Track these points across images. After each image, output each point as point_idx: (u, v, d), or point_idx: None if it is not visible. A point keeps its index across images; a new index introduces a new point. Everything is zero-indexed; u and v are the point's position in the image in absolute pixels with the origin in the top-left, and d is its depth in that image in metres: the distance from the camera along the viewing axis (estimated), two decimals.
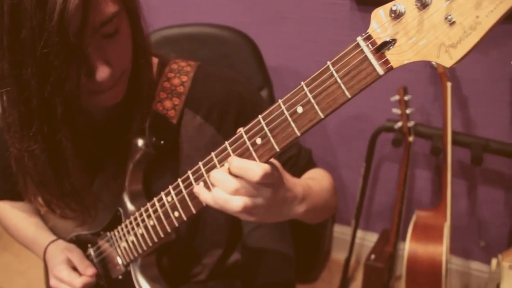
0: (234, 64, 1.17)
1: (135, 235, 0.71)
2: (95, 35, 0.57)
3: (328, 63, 0.47)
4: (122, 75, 0.65)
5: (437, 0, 0.41)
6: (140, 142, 0.71)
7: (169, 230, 0.66)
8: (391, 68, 0.44)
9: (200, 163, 0.59)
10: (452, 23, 0.40)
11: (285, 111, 0.50)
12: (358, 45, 0.45)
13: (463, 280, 1.65)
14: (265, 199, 0.54)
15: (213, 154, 0.58)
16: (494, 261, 1.32)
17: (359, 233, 1.73)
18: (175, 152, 0.74)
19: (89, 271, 0.76)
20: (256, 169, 0.51)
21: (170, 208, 0.64)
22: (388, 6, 0.44)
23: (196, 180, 0.60)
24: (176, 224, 0.64)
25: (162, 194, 0.65)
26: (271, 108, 0.51)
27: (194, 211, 0.61)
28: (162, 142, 0.71)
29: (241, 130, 0.54)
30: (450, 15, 0.40)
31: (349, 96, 0.46)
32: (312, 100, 0.48)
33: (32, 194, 0.73)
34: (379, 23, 0.44)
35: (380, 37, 0.44)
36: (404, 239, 1.49)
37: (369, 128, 1.39)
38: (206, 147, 0.75)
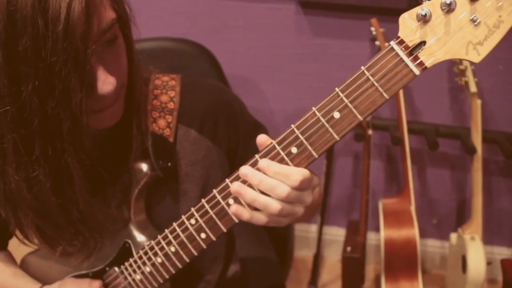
0: (193, 75, 1.18)
1: (153, 265, 0.69)
2: (97, 42, 0.56)
3: (363, 68, 0.51)
4: (121, 90, 0.63)
5: (462, 4, 0.46)
6: (145, 166, 0.69)
7: (195, 253, 0.65)
8: (426, 68, 0.49)
9: (227, 180, 0.60)
10: (477, 24, 0.46)
11: (321, 118, 0.53)
12: (392, 49, 0.49)
13: (421, 257, 1.79)
14: (301, 203, 0.56)
15: (227, 180, 0.59)
16: (453, 235, 1.46)
17: (315, 227, 1.81)
18: (174, 172, 0.74)
19: (96, 284, 0.73)
20: (295, 174, 0.53)
21: (195, 231, 0.64)
22: (414, 11, 0.49)
23: (224, 198, 0.60)
24: (204, 246, 0.64)
25: (183, 217, 0.65)
26: (305, 117, 0.54)
27: (224, 230, 0.62)
28: (169, 164, 0.70)
29: (272, 142, 0.56)
30: (475, 16, 0.46)
31: (387, 97, 0.50)
32: (350, 105, 0.51)
33: (28, 233, 0.68)
34: (408, 28, 0.49)
35: (411, 40, 0.49)
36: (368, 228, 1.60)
37: None
38: (203, 160, 0.75)
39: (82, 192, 0.62)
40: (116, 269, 0.74)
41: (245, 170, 0.55)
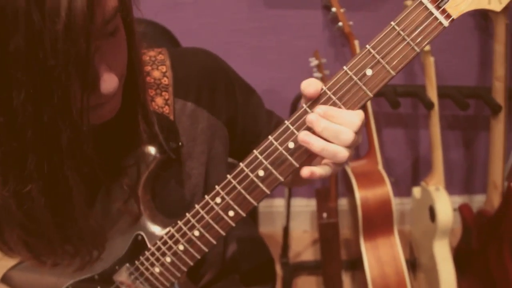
0: None
1: (175, 254, 0.67)
2: (99, 37, 0.49)
3: (393, 23, 0.52)
4: (121, 81, 0.59)
5: None
6: (153, 149, 0.66)
7: (223, 233, 0.64)
8: (453, 19, 0.51)
9: (256, 152, 0.59)
10: None
11: (354, 77, 0.53)
12: (421, 3, 0.51)
13: None
14: (356, 145, 0.56)
15: (287, 122, 0.57)
16: (416, 189, 1.55)
17: (279, 201, 1.85)
18: (176, 151, 0.71)
19: None
20: (355, 116, 0.54)
21: (222, 210, 0.62)
22: None
23: (253, 171, 0.59)
24: (233, 224, 0.63)
25: (207, 198, 0.63)
26: (336, 78, 0.54)
27: (255, 203, 0.61)
28: (180, 143, 0.67)
29: (304, 106, 0.56)
30: None
31: (418, 51, 0.52)
32: (382, 61, 0.52)
33: (15, 248, 0.62)
34: None
35: None
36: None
37: (289, 98, 1.48)
38: (202, 133, 0.73)
39: (81, 207, 0.56)
40: (128, 265, 0.70)
41: (311, 116, 0.54)
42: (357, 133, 0.54)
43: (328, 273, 1.50)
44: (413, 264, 1.60)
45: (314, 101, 0.55)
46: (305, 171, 0.55)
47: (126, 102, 0.60)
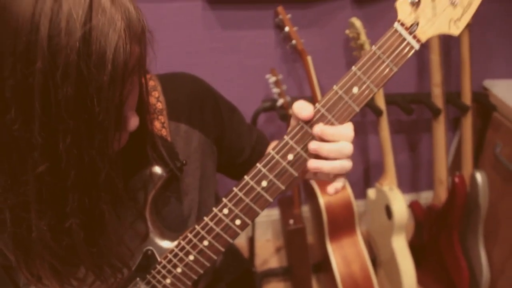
0: None
1: (186, 265, 0.73)
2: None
3: (374, 48, 0.62)
4: None
5: None
6: (159, 169, 0.72)
7: (231, 241, 0.71)
8: (422, 43, 0.63)
9: (259, 165, 0.67)
10: (455, 5, 0.61)
11: (344, 95, 0.64)
12: (396, 31, 0.62)
13: None
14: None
15: (272, 152, 0.66)
16: (371, 191, 1.70)
17: None
18: (180, 169, 0.77)
19: None
20: (348, 129, 0.64)
21: (230, 220, 0.70)
22: None
23: (258, 183, 0.67)
24: (240, 232, 0.71)
25: (215, 210, 0.70)
26: (328, 96, 0.64)
27: (260, 211, 0.69)
28: (184, 162, 0.74)
29: (301, 123, 0.65)
30: (453, 0, 0.61)
31: (396, 70, 0.63)
32: (367, 80, 0.63)
33: (45, 279, 0.66)
34: (405, 12, 0.62)
35: (408, 21, 0.62)
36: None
37: (249, 112, 1.57)
38: (195, 151, 0.80)
39: (117, 234, 0.62)
40: (139, 279, 0.75)
41: (313, 145, 0.62)
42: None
43: (298, 278, 1.59)
44: (373, 262, 1.74)
45: (311, 120, 0.65)
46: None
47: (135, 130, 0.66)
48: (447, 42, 1.68)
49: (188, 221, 0.81)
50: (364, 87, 0.63)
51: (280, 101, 1.48)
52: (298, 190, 1.59)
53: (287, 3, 1.48)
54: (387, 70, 0.63)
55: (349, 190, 1.46)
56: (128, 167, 0.71)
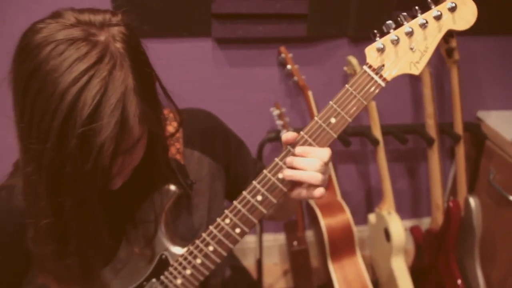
0: None
1: (194, 267, 0.87)
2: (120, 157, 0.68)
3: (347, 86, 0.78)
4: (130, 172, 0.79)
5: (403, 39, 0.76)
6: (172, 187, 0.87)
7: (232, 247, 0.85)
8: (388, 81, 0.78)
9: (254, 182, 0.82)
10: (414, 50, 0.77)
11: (323, 124, 0.79)
12: (365, 72, 0.77)
13: None
14: (327, 173, 0.80)
15: (265, 171, 0.81)
16: (371, 216, 1.82)
17: (249, 237, 2.06)
18: (190, 187, 0.92)
19: None
20: (325, 151, 0.77)
21: (231, 228, 0.84)
22: (374, 45, 0.77)
23: (253, 196, 0.82)
24: (239, 239, 0.85)
25: (219, 220, 0.84)
26: (310, 125, 0.79)
27: (256, 221, 0.83)
28: (194, 181, 0.89)
29: (288, 147, 0.80)
30: (412, 46, 0.77)
31: (365, 103, 0.78)
32: (342, 112, 0.78)
33: None
34: (372, 56, 0.77)
35: (375, 64, 0.77)
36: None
37: (255, 143, 1.72)
38: (207, 176, 0.95)
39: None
40: (154, 280, 0.90)
41: (288, 159, 0.77)
42: (326, 163, 0.78)
43: None
44: (375, 284, 1.84)
45: (295, 144, 0.80)
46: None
47: (151, 156, 0.81)
48: (440, 77, 1.83)
49: (197, 235, 0.96)
50: (339, 117, 0.78)
51: (284, 132, 1.63)
52: (301, 215, 1.72)
53: (289, 42, 1.66)
54: (359, 103, 0.78)
55: (348, 214, 1.58)
56: (147, 186, 0.86)
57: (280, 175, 0.80)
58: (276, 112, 1.63)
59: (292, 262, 1.67)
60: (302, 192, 0.80)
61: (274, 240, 2.09)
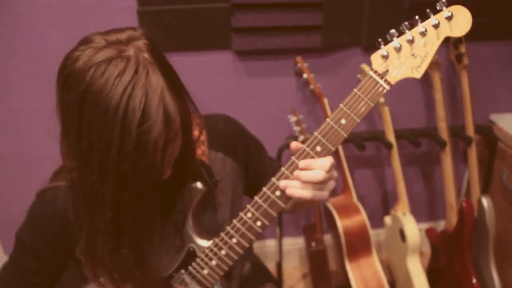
0: None
1: (219, 258, 0.96)
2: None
3: (355, 90, 0.86)
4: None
5: (405, 46, 0.85)
6: (199, 184, 0.97)
7: (254, 238, 0.94)
8: (392, 85, 0.86)
9: (273, 179, 0.90)
10: (415, 56, 0.85)
11: (334, 125, 0.87)
12: (371, 77, 0.85)
13: None
14: (333, 180, 0.89)
15: (283, 168, 0.90)
16: (387, 218, 1.88)
17: (270, 242, 2.14)
18: (215, 185, 1.01)
19: None
20: (326, 161, 0.85)
21: (252, 221, 0.93)
22: (379, 52, 0.86)
23: (273, 192, 0.91)
24: (260, 231, 0.93)
25: (241, 214, 0.93)
26: (323, 126, 0.88)
27: (275, 215, 0.92)
28: (218, 179, 0.99)
29: (303, 146, 0.89)
30: (414, 52, 0.85)
31: (372, 105, 0.86)
32: (351, 114, 0.86)
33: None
34: (377, 62, 0.86)
35: (379, 69, 0.86)
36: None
37: (274, 147, 1.81)
38: (229, 175, 1.04)
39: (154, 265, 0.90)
40: (183, 271, 0.99)
41: (296, 172, 0.86)
42: (329, 171, 0.85)
43: None
44: (392, 285, 1.90)
45: (310, 142, 0.88)
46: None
47: (182, 155, 0.90)
48: (452, 82, 1.89)
49: (221, 230, 1.05)
50: (349, 118, 0.87)
51: (301, 138, 1.72)
52: (319, 218, 1.80)
53: (305, 53, 1.75)
54: (366, 105, 0.86)
55: (364, 215, 1.65)
56: (178, 183, 0.96)
57: (277, 192, 0.90)
58: (293, 119, 1.72)
59: (310, 263, 1.74)
60: (295, 191, 0.88)
61: (294, 244, 2.17)
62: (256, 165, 1.11)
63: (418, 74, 0.86)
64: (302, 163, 0.87)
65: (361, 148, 1.71)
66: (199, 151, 1.01)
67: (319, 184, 0.86)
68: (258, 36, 1.68)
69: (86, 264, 0.88)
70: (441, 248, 1.86)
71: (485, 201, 1.70)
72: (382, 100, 1.70)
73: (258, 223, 0.93)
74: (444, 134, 1.76)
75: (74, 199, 0.82)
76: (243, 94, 1.81)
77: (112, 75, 0.70)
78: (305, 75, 1.70)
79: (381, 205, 2.15)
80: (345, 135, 0.88)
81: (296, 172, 0.87)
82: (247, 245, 0.95)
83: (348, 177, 1.75)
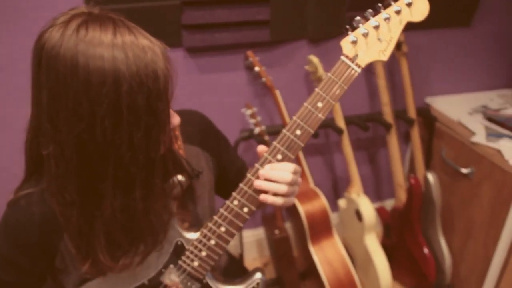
0: None
1: (208, 248, 0.98)
2: None
3: (329, 74, 0.92)
4: None
5: (371, 31, 0.92)
6: (180, 177, 0.98)
7: (241, 225, 0.97)
8: (362, 68, 0.93)
9: (257, 165, 0.94)
10: (381, 40, 0.92)
11: (311, 108, 0.93)
12: (343, 61, 0.92)
13: None
14: (297, 184, 0.94)
15: (265, 154, 0.94)
16: (341, 201, 1.98)
17: None
18: (197, 177, 1.03)
19: None
20: (291, 166, 0.91)
21: (239, 208, 0.96)
22: (348, 38, 0.92)
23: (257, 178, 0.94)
24: (248, 217, 0.96)
25: (227, 202, 0.96)
26: (301, 110, 0.93)
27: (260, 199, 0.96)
28: (201, 171, 1.00)
29: (283, 130, 0.93)
30: (379, 37, 0.92)
31: (345, 88, 0.92)
32: (326, 96, 0.92)
33: (101, 255, 0.88)
34: (347, 48, 0.92)
35: (350, 54, 0.92)
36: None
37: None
38: (206, 169, 1.06)
39: (165, 203, 0.89)
40: (172, 266, 0.99)
41: (262, 171, 0.92)
42: (295, 174, 0.92)
43: (287, 283, 1.83)
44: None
45: (289, 128, 0.93)
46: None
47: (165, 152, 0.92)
48: (391, 69, 2.03)
49: (202, 224, 1.07)
50: (325, 101, 0.93)
51: (257, 130, 1.76)
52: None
53: (254, 47, 1.80)
54: (340, 88, 0.93)
55: (323, 198, 1.73)
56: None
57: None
58: (248, 112, 1.76)
59: (276, 251, 1.79)
60: (268, 198, 0.93)
61: (251, 236, 2.21)
62: (226, 160, 1.14)
63: (384, 57, 0.94)
64: (263, 170, 0.93)
65: (315, 135, 1.79)
66: (175, 146, 1.02)
67: (289, 186, 0.92)
68: (208, 32, 1.71)
69: (78, 247, 0.86)
70: (392, 225, 1.99)
71: (430, 177, 1.85)
72: None
73: (245, 209, 0.96)
74: (389, 117, 1.89)
75: (69, 170, 0.78)
76: (196, 91, 1.83)
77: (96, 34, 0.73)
78: (257, 68, 1.75)
79: (332, 190, 2.25)
80: (323, 117, 0.93)
81: (262, 171, 0.92)
82: (236, 232, 0.98)
83: (303, 164, 1.82)
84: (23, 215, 0.88)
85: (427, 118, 2.03)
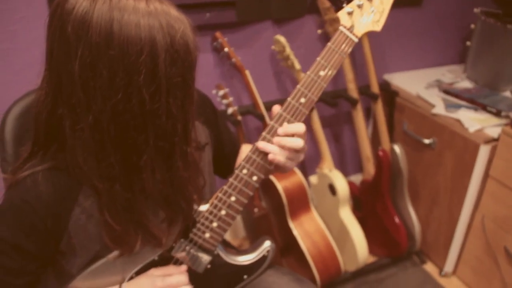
0: None
1: (219, 219, 1.03)
2: None
3: (329, 44, 1.00)
4: None
5: (366, 3, 1.01)
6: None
7: (251, 193, 1.03)
8: (358, 37, 1.02)
9: (264, 133, 1.01)
10: (374, 12, 1.02)
11: (314, 77, 1.01)
12: (341, 31, 1.00)
13: None
14: (304, 144, 1.02)
15: (271, 122, 1.01)
16: (312, 178, 2.09)
17: None
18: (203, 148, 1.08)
19: (182, 267, 1.02)
20: (301, 124, 0.99)
21: (248, 177, 1.02)
22: (345, 10, 1.01)
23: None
24: (257, 186, 1.03)
25: (237, 171, 1.02)
26: (304, 79, 1.01)
27: (270, 167, 1.03)
28: (207, 142, 1.06)
29: (288, 99, 1.01)
30: (372, 8, 1.02)
31: (345, 57, 1.01)
32: (328, 65, 1.01)
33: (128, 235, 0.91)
34: (344, 19, 1.01)
35: (347, 24, 1.01)
36: None
37: None
38: (205, 140, 1.12)
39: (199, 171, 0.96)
40: (183, 240, 1.04)
41: (276, 139, 0.99)
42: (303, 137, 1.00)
43: None
44: None
45: (294, 95, 1.01)
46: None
47: None
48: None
49: (204, 197, 1.12)
50: (327, 70, 1.01)
51: (230, 110, 1.82)
52: None
53: (219, 28, 1.85)
54: (340, 57, 1.01)
55: (299, 174, 1.83)
56: None
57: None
58: (220, 92, 1.81)
59: (254, 230, 1.87)
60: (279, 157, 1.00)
61: None
62: (222, 134, 1.20)
63: (378, 27, 1.04)
64: (282, 128, 0.99)
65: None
66: None
67: (296, 153, 1.00)
68: None
69: (106, 224, 0.88)
70: (362, 198, 2.12)
71: (397, 148, 2.00)
72: (298, 67, 1.88)
73: (254, 177, 1.02)
74: (354, 93, 2.01)
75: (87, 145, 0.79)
76: None
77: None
78: (226, 49, 1.80)
79: (301, 168, 2.36)
80: (325, 85, 1.02)
81: (277, 139, 0.99)
82: (245, 201, 1.04)
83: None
84: (29, 195, 0.85)
85: (388, 93, 2.18)
